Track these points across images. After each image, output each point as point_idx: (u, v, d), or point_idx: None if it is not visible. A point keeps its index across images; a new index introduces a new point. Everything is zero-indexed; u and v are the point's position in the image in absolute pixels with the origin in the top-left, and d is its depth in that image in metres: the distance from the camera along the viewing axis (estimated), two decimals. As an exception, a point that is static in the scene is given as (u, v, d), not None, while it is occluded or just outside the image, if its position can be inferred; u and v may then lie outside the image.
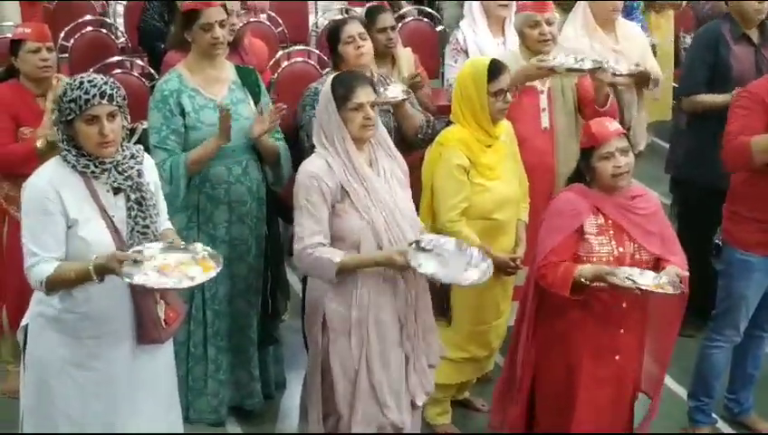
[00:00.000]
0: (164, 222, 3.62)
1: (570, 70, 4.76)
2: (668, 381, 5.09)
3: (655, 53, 5.88)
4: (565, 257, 3.72)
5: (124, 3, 7.78)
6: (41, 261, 3.24)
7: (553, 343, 3.89)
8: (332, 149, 3.71)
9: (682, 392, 4.98)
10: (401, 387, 3.87)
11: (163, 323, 3.51)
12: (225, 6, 4.37)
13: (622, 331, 3.84)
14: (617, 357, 3.86)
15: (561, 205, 3.84)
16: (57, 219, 3.25)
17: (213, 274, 3.28)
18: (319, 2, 8.60)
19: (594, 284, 3.63)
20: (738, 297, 4.44)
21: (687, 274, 3.73)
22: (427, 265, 3.62)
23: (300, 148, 4.49)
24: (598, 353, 3.84)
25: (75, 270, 3.22)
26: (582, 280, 3.63)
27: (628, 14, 6.30)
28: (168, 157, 4.19)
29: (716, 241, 4.50)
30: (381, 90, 4.61)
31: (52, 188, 3.25)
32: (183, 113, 4.23)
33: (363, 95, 3.70)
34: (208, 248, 3.39)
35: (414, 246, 3.65)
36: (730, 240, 4.43)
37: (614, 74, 5.02)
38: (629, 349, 3.90)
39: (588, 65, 4.77)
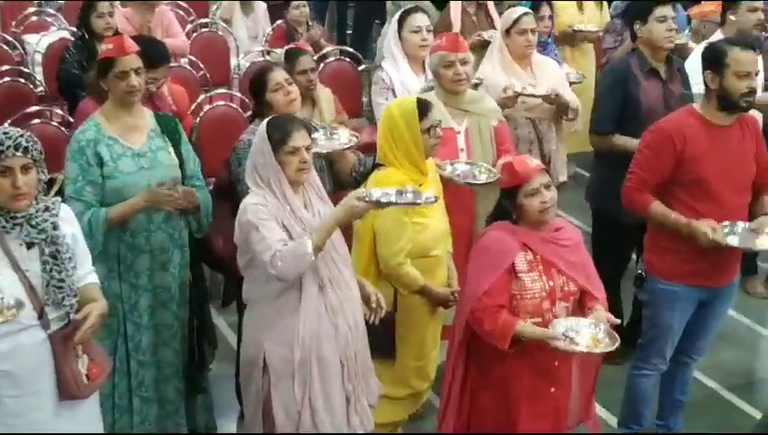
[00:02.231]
0: (88, 274, 3.57)
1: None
2: (598, 409, 5.13)
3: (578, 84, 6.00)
4: (500, 300, 3.74)
5: (42, 51, 7.67)
6: None
7: (490, 384, 3.90)
8: (267, 189, 3.74)
9: (612, 421, 5.03)
10: (343, 427, 3.87)
11: (85, 378, 3.45)
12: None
13: (557, 363, 3.88)
14: (552, 389, 3.90)
15: (490, 243, 3.85)
16: None
17: None
18: (240, 44, 8.58)
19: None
20: (664, 327, 4.50)
21: (618, 321, 3.84)
22: None
23: (236, 201, 4.45)
24: (535, 390, 3.87)
25: None
26: (522, 337, 3.69)
27: (544, 49, 6.40)
28: (86, 209, 4.11)
29: (639, 272, 4.57)
30: (326, 136, 4.75)
31: None
32: (101, 163, 4.17)
33: (299, 139, 3.73)
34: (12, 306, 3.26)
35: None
36: (653, 271, 4.48)
37: (531, 95, 5.28)
38: (564, 379, 3.95)
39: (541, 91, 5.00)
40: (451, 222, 4.59)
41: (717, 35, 5.78)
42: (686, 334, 4.56)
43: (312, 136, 4.63)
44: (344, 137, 4.87)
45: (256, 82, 4.74)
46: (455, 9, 7.14)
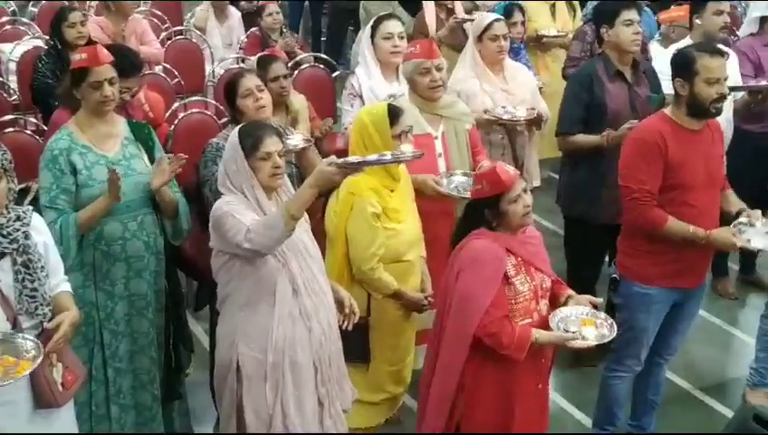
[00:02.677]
0: (60, 283, 3.57)
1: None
2: (572, 410, 5.20)
3: (541, 92, 6.04)
4: (504, 310, 3.79)
5: (16, 60, 7.66)
6: None
7: (488, 389, 3.91)
8: (240, 196, 3.76)
9: (587, 422, 5.08)
10: (315, 432, 3.88)
11: (60, 386, 3.46)
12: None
13: (543, 360, 3.98)
14: (540, 386, 4.00)
15: (481, 254, 3.86)
16: None
17: (20, 377, 3.22)
18: (214, 52, 8.60)
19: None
20: (639, 329, 4.54)
21: (600, 300, 4.01)
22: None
23: (203, 204, 4.49)
24: (529, 389, 3.95)
25: None
26: (536, 344, 3.78)
27: (516, 54, 6.45)
28: (59, 216, 4.13)
29: (613, 275, 4.62)
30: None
31: None
32: (74, 171, 4.18)
33: (271, 144, 3.75)
34: (38, 346, 3.30)
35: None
36: (627, 274, 4.52)
37: (512, 121, 5.38)
38: (546, 375, 4.08)
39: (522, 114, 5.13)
40: (430, 226, 4.63)
41: (686, 40, 5.84)
42: (659, 335, 4.61)
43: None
44: (295, 140, 4.86)
45: (229, 88, 4.78)
46: (429, 15, 7.19)
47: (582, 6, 8.10)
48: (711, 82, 4.22)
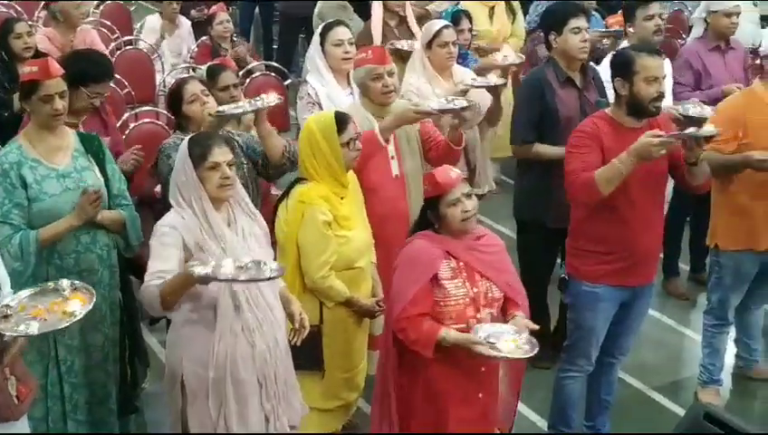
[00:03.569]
0: (5, 297, 3.55)
1: (443, 111, 4.89)
2: (528, 412, 5.25)
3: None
4: (423, 308, 3.81)
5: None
6: None
7: (418, 386, 3.95)
8: (189, 209, 3.75)
9: (542, 424, 5.13)
10: None
11: (15, 399, 3.43)
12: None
13: (483, 369, 3.95)
14: (480, 395, 3.97)
15: (415, 253, 3.92)
16: None
17: (89, 305, 3.34)
18: (165, 61, 8.57)
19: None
20: (588, 328, 4.61)
21: (537, 326, 3.87)
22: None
23: (164, 207, 4.42)
24: (463, 396, 3.93)
25: None
26: (445, 343, 3.75)
27: (464, 60, 6.51)
28: (14, 232, 4.09)
29: (562, 275, 4.67)
30: (251, 103, 4.66)
31: None
32: (25, 185, 4.15)
33: (220, 154, 3.75)
34: (75, 281, 3.44)
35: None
36: (575, 274, 4.59)
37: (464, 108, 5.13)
38: (491, 386, 4.03)
39: (460, 104, 4.90)
40: (386, 231, 4.66)
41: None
42: (609, 335, 4.67)
43: (238, 103, 4.69)
44: (271, 97, 4.76)
45: (173, 96, 4.79)
46: (376, 21, 7.22)
47: (524, 9, 8.14)
48: (650, 81, 4.30)
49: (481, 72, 6.19)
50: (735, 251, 5.11)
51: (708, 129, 4.31)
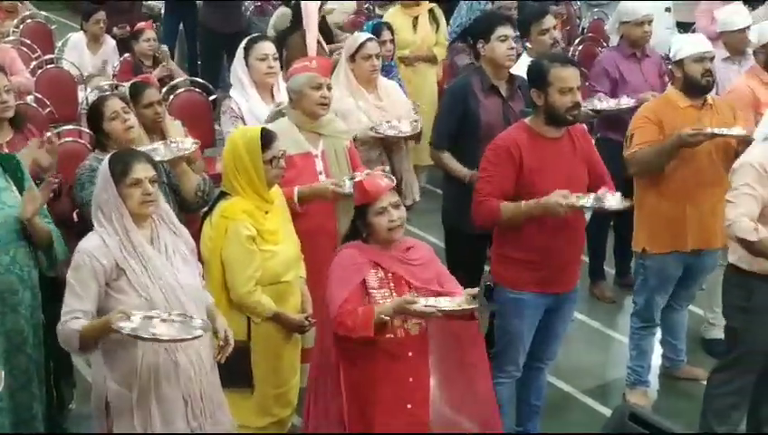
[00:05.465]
0: None
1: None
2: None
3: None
4: (357, 305, 3.82)
5: None
6: None
7: (346, 388, 3.94)
8: (110, 227, 3.70)
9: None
10: None
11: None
12: None
13: (411, 380, 3.97)
14: (409, 406, 3.98)
15: (344, 261, 3.94)
16: None
17: None
18: (88, 79, 8.47)
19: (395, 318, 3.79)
20: (515, 334, 4.64)
21: (476, 290, 3.94)
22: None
23: (85, 227, 4.38)
24: (390, 404, 3.94)
25: None
26: (383, 317, 3.76)
27: (387, 73, 6.53)
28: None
29: (487, 283, 4.71)
30: (165, 146, 4.71)
31: None
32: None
33: (141, 170, 3.71)
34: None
35: None
36: (500, 281, 4.63)
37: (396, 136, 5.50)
38: (421, 398, 4.04)
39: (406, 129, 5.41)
40: (314, 245, 4.65)
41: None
42: (536, 341, 4.71)
43: (154, 146, 4.65)
44: (187, 143, 4.82)
45: (93, 113, 4.75)
46: (311, 38, 7.24)
47: (447, 17, 8.22)
48: (564, 92, 4.37)
49: None
50: (661, 254, 5.20)
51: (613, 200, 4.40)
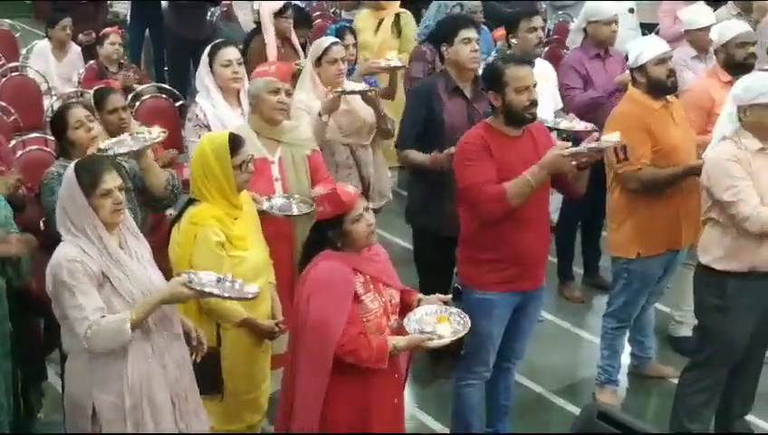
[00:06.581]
0: None
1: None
2: (430, 422, 5.30)
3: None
4: (359, 326, 3.83)
5: None
6: None
7: (343, 404, 3.93)
8: (84, 237, 3.67)
9: (446, 432, 5.17)
10: None
11: None
12: None
13: (396, 375, 4.04)
14: (396, 400, 4.07)
15: (327, 276, 3.89)
16: None
17: None
18: (53, 87, 8.41)
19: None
20: (484, 335, 4.64)
21: (448, 297, 4.08)
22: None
23: (50, 234, 4.34)
24: (381, 404, 3.99)
25: None
26: (397, 350, 3.85)
27: (350, 76, 6.53)
28: None
29: (455, 285, 4.73)
30: (133, 138, 4.63)
31: None
32: None
33: (110, 180, 3.70)
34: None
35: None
36: (468, 282, 4.65)
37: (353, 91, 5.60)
38: (401, 388, 4.15)
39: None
40: (272, 251, 4.63)
41: None
42: (504, 340, 4.72)
43: (120, 138, 4.62)
44: (154, 132, 4.74)
45: (57, 121, 4.70)
46: (270, 42, 7.23)
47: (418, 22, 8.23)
48: (521, 91, 4.40)
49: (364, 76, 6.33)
50: (652, 256, 5.22)
51: (611, 137, 4.41)
